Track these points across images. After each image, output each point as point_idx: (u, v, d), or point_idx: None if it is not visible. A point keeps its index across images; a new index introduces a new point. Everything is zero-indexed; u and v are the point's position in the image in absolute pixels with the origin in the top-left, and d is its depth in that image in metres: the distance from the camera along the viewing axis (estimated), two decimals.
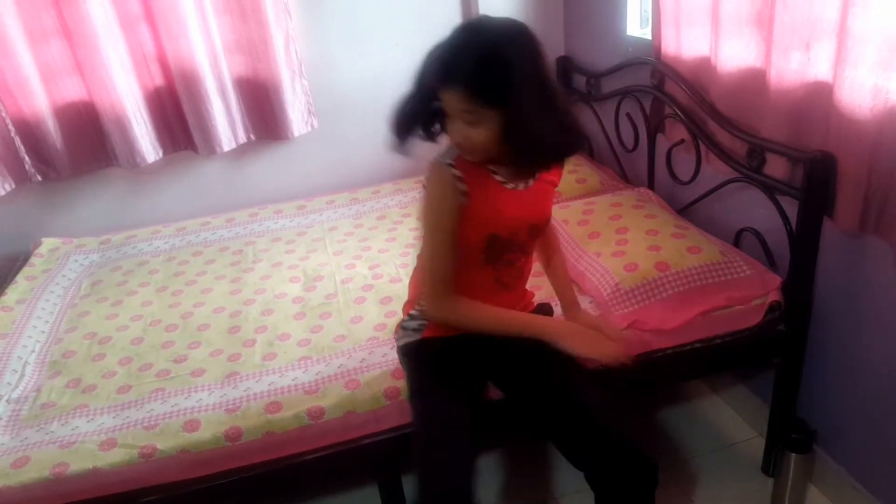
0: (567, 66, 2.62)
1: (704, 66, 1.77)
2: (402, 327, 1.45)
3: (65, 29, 2.16)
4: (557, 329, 1.32)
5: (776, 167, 1.57)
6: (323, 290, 1.91)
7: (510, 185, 1.29)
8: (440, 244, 1.26)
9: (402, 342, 1.44)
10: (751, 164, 1.64)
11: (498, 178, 1.28)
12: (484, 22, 1.18)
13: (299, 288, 1.94)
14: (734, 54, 1.63)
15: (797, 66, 1.45)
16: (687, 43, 1.83)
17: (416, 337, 1.41)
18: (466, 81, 1.13)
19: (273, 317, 1.80)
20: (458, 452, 1.22)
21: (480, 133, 1.17)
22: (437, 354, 1.39)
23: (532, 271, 1.46)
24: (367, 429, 1.45)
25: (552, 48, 2.65)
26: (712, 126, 1.77)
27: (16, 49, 2.12)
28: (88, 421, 1.47)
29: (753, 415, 1.93)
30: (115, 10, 2.18)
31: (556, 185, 1.40)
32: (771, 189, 1.59)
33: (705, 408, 2.05)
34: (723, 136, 1.74)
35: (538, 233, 1.40)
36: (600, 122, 2.45)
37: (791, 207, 1.54)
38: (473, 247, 1.31)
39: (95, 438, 1.40)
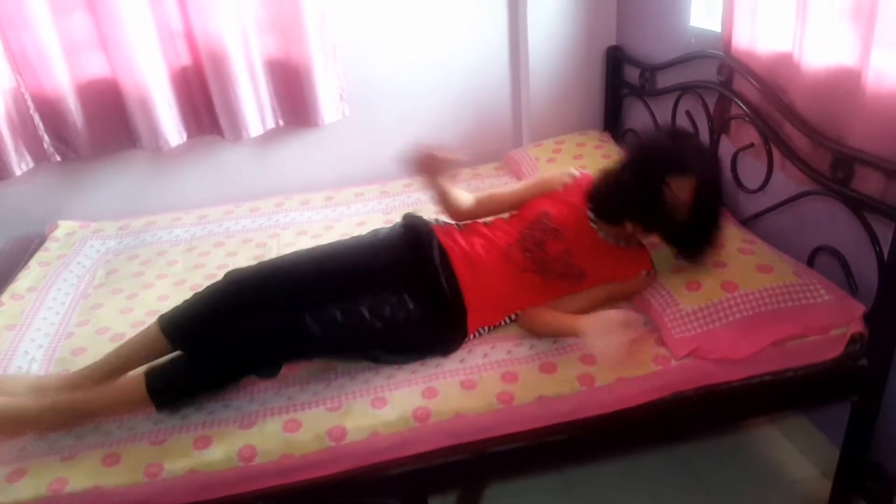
0: (618, 56, 2.43)
1: (784, 62, 1.58)
2: None
3: (89, 1, 2.04)
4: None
5: (866, 181, 1.39)
6: None
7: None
8: None
9: None
10: (835, 176, 1.45)
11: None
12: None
13: None
14: (823, 51, 1.45)
15: None
16: (764, 36, 1.64)
17: None
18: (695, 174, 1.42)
19: None
20: None
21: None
22: None
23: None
24: (393, 453, 1.32)
25: (602, 37, 2.46)
26: (789, 130, 1.59)
27: (37, 21, 2.00)
28: (94, 428, 1.35)
29: (815, 451, 1.75)
30: None
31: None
32: (859, 205, 1.41)
33: (760, 439, 1.87)
34: (801, 143, 1.55)
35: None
36: (654, 118, 2.27)
37: (883, 227, 1.36)
38: None
39: (100, 451, 1.29)
